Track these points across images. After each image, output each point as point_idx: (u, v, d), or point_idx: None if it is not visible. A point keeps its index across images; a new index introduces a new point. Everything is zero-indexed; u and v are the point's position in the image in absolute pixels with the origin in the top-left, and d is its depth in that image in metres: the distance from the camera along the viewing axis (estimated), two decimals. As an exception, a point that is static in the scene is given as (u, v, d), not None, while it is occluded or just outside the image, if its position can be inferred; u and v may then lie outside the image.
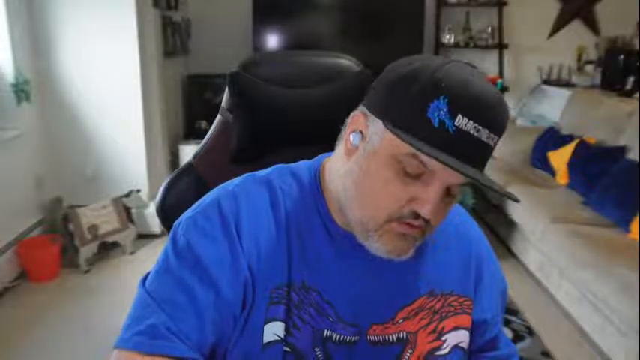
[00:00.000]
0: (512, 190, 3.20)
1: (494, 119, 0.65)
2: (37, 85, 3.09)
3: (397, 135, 0.65)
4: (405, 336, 0.78)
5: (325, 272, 0.75)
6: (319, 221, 0.76)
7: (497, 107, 0.66)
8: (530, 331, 2.49)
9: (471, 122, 0.63)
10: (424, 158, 0.65)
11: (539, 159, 3.59)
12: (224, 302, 0.71)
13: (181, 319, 0.69)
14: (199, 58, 4.42)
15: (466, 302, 0.82)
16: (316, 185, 0.79)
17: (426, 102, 0.64)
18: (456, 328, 0.81)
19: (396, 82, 0.68)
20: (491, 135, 0.65)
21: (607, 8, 4.53)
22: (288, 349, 0.73)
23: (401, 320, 0.78)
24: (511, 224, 3.21)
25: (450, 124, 0.63)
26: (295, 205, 0.77)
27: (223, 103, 1.08)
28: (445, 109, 0.63)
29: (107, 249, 3.14)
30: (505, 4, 4.48)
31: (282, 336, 0.73)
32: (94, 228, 3.04)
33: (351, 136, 0.73)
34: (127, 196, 3.23)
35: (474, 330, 0.84)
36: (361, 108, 0.73)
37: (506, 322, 2.55)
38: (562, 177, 3.30)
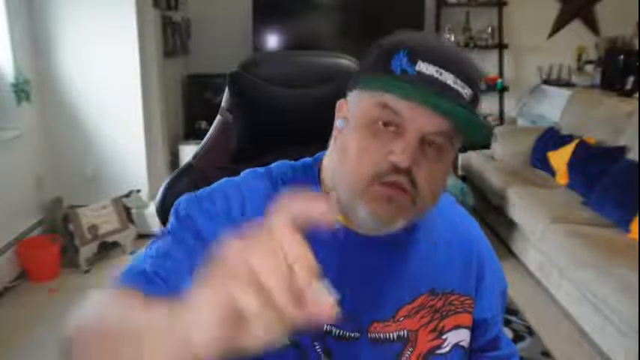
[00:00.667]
0: (513, 190, 3.21)
1: (459, 67, 0.67)
2: (37, 85, 3.09)
3: (365, 89, 0.69)
4: (405, 334, 0.78)
5: (325, 266, 0.75)
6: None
7: (460, 58, 0.69)
8: (530, 331, 2.49)
9: (432, 66, 0.66)
10: (392, 103, 0.67)
11: (539, 159, 3.59)
12: None
13: (174, 270, 0.69)
14: (199, 58, 4.42)
15: (467, 301, 0.82)
16: (314, 179, 0.79)
17: (388, 59, 0.68)
18: (457, 327, 0.81)
19: (365, 56, 0.73)
20: (459, 81, 0.67)
21: (607, 8, 4.53)
22: (286, 342, 0.73)
23: (402, 318, 0.77)
24: (511, 224, 3.21)
25: (411, 69, 0.66)
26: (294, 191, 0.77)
27: (223, 103, 1.08)
28: (406, 59, 0.67)
29: (107, 249, 3.14)
30: (505, 4, 4.48)
31: None
32: (94, 228, 3.05)
33: (337, 122, 0.76)
34: (127, 196, 3.23)
35: (474, 329, 0.84)
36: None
37: (506, 322, 2.55)
38: (562, 177, 3.30)
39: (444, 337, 0.80)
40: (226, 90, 1.07)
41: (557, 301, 2.69)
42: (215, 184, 0.80)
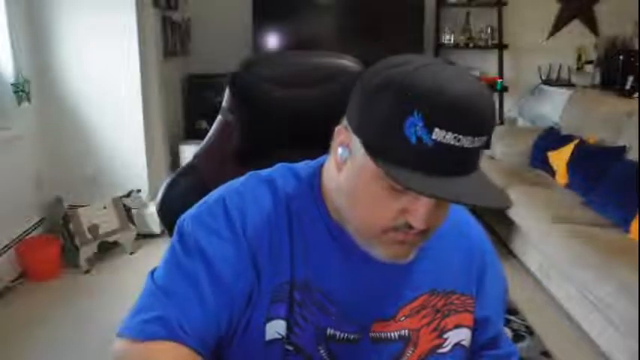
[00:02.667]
0: (513, 190, 3.21)
1: (476, 123, 0.62)
2: (37, 85, 3.09)
3: (372, 159, 0.64)
4: (406, 334, 0.78)
5: (328, 271, 0.76)
6: (320, 221, 0.77)
7: (478, 109, 0.62)
8: (530, 331, 2.49)
9: (450, 133, 0.60)
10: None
11: (539, 159, 3.59)
12: (228, 296, 0.71)
13: (188, 310, 0.69)
14: (199, 58, 4.42)
15: (468, 301, 0.83)
16: (317, 186, 0.79)
17: (400, 119, 0.61)
18: (458, 326, 0.81)
19: (369, 95, 0.66)
20: (476, 139, 0.62)
21: (607, 8, 4.53)
22: (290, 348, 0.74)
23: (402, 318, 0.78)
24: (511, 224, 3.21)
25: (428, 138, 0.60)
26: (297, 204, 0.77)
27: (224, 103, 1.08)
28: (421, 124, 0.60)
29: (107, 249, 3.14)
30: (505, 4, 4.48)
31: (284, 334, 0.73)
32: (94, 228, 3.04)
33: (339, 149, 0.72)
34: (127, 196, 3.23)
35: (476, 328, 0.84)
36: (344, 121, 0.72)
37: (506, 322, 2.55)
38: (562, 177, 3.30)
39: (445, 336, 0.80)
40: (227, 90, 1.07)
41: (557, 301, 2.69)
42: (216, 192, 0.79)
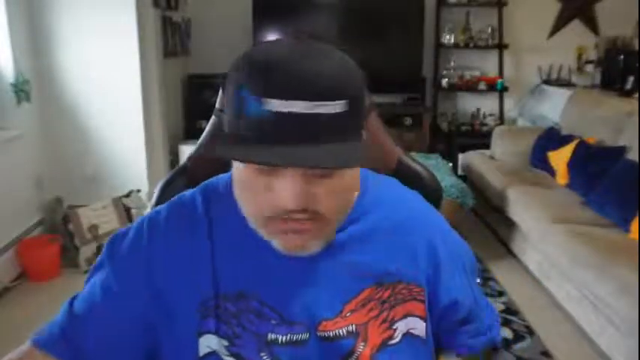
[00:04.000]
0: (513, 190, 3.21)
1: (308, 87, 0.59)
2: (37, 85, 3.09)
3: (218, 147, 0.64)
4: (354, 329, 0.76)
5: (264, 276, 0.74)
6: (245, 226, 0.74)
7: (307, 74, 0.60)
8: (530, 331, 2.49)
9: (280, 100, 0.59)
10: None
11: (539, 159, 3.59)
12: (123, 310, 0.75)
13: (79, 319, 0.78)
14: (199, 58, 4.42)
15: (416, 289, 0.80)
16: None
17: (234, 97, 0.62)
18: (407, 315, 0.79)
19: (225, 80, 0.66)
20: (317, 103, 0.59)
21: (607, 8, 4.53)
22: (230, 359, 0.73)
23: (348, 314, 0.76)
24: (511, 224, 3.21)
25: (260, 109, 0.59)
26: (222, 217, 0.77)
27: (217, 104, 1.08)
28: (252, 97, 0.60)
29: (107, 249, 3.13)
30: (505, 4, 4.48)
31: (217, 348, 0.73)
32: (94, 228, 3.05)
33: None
34: (127, 196, 3.23)
35: (446, 312, 0.83)
36: None
37: (507, 322, 2.55)
38: (562, 177, 3.30)
39: (394, 327, 0.78)
40: (220, 90, 1.06)
41: (557, 301, 2.69)
42: (142, 218, 0.82)
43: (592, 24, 4.63)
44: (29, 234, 3.00)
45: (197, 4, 4.42)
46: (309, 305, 0.74)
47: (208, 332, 0.73)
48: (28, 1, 3.05)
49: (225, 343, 0.73)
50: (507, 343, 2.39)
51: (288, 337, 0.73)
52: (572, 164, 3.22)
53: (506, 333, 2.47)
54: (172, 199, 0.82)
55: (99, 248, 3.05)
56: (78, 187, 3.28)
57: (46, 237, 3.06)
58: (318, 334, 0.74)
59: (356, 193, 0.75)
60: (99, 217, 3.09)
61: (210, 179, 0.83)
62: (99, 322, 0.75)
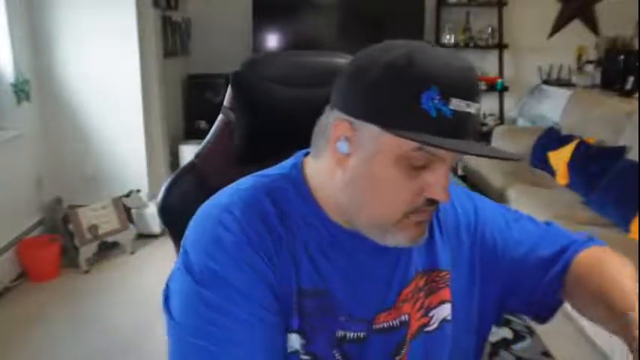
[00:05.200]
0: (513, 190, 3.21)
1: (476, 90, 0.69)
2: (37, 85, 3.09)
3: (401, 135, 0.65)
4: (407, 318, 0.78)
5: (334, 273, 0.75)
6: (317, 223, 0.75)
7: (474, 77, 0.69)
8: (530, 331, 2.49)
9: (463, 101, 0.66)
10: (431, 148, 0.66)
11: (539, 159, 3.59)
12: (270, 323, 0.70)
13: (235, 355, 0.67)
14: (199, 58, 4.42)
15: (447, 276, 0.83)
16: (305, 188, 0.77)
17: (416, 95, 0.65)
18: (442, 302, 0.82)
19: (376, 82, 0.67)
20: (478, 105, 0.69)
21: (607, 8, 4.54)
22: (307, 358, 0.73)
23: (401, 304, 0.78)
24: (511, 224, 3.21)
25: (446, 109, 0.65)
26: (290, 209, 0.75)
27: (226, 102, 1.07)
28: (438, 97, 0.65)
29: (107, 249, 3.13)
30: (505, 4, 4.48)
31: (299, 347, 0.73)
32: (94, 228, 3.04)
33: (337, 145, 0.71)
34: (127, 196, 3.23)
35: (525, 268, 0.86)
36: (338, 114, 0.71)
37: (507, 322, 2.55)
38: (562, 177, 3.30)
39: (430, 314, 0.81)
40: (229, 89, 1.06)
41: (557, 301, 2.69)
42: (208, 214, 0.74)
43: (592, 24, 4.63)
44: (29, 234, 3.00)
45: (197, 4, 4.42)
46: (368, 299, 0.76)
47: (292, 330, 0.73)
48: (28, 1, 3.04)
49: (303, 341, 0.73)
50: (507, 343, 2.39)
51: (354, 335, 0.75)
52: (572, 164, 3.22)
53: (506, 333, 2.47)
54: (231, 199, 0.74)
55: (99, 248, 3.06)
56: (78, 187, 3.28)
57: (46, 237, 3.06)
58: (374, 326, 0.76)
59: None
60: (99, 217, 3.09)
61: (265, 181, 0.77)
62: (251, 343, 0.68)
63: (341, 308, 0.74)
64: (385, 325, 0.77)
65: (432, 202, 0.70)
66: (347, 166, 0.72)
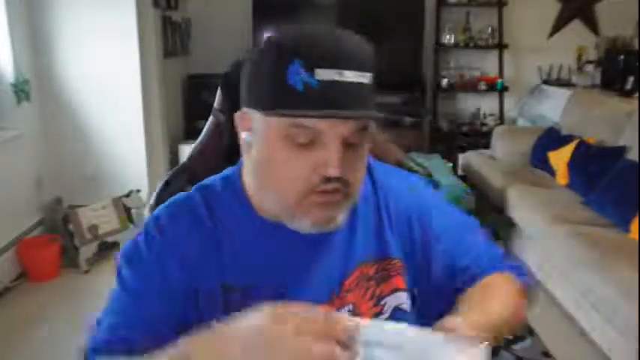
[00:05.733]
0: (513, 190, 3.21)
1: (354, 58, 0.67)
2: (37, 85, 3.09)
3: (272, 114, 0.68)
4: (351, 308, 0.78)
5: (260, 269, 0.76)
6: (246, 218, 0.78)
7: (348, 46, 0.68)
8: (530, 331, 2.49)
9: (331, 70, 0.65)
10: (307, 122, 0.67)
11: (539, 159, 3.58)
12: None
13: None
14: (199, 58, 4.42)
15: (398, 264, 0.82)
16: (239, 187, 0.80)
17: (282, 73, 0.66)
18: (394, 290, 0.81)
19: (251, 70, 0.71)
20: (360, 73, 0.67)
21: (607, 8, 4.53)
22: None
23: (346, 294, 0.78)
24: (511, 224, 3.21)
25: (312, 80, 0.65)
26: (223, 212, 0.79)
27: (216, 104, 1.08)
28: (302, 70, 0.65)
29: (107, 249, 3.13)
30: (505, 4, 4.48)
31: None
32: (94, 228, 3.05)
33: (243, 136, 0.76)
34: (127, 196, 3.23)
35: (455, 273, 0.83)
36: (242, 109, 0.75)
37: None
38: (562, 177, 3.30)
39: (382, 302, 0.80)
40: (219, 90, 1.07)
41: (557, 301, 2.69)
42: (146, 223, 0.81)
43: (592, 24, 4.62)
44: (29, 234, 3.00)
45: (197, 4, 4.42)
46: (311, 291, 0.76)
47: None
48: (28, 1, 3.05)
49: None
50: (507, 343, 2.39)
51: None
52: (572, 164, 3.21)
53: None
54: (167, 202, 0.83)
55: (99, 248, 3.06)
56: (78, 187, 3.28)
57: (46, 237, 3.06)
58: None
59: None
60: (99, 217, 3.09)
61: (202, 181, 0.84)
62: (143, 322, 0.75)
63: (268, 304, 0.75)
64: None
65: (328, 180, 0.69)
66: (251, 153, 0.75)
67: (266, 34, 0.73)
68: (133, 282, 0.78)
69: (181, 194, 0.83)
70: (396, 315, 0.81)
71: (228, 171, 0.84)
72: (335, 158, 0.67)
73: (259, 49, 0.71)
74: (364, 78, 0.68)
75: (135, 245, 0.79)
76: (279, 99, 0.67)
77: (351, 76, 0.66)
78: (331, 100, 0.65)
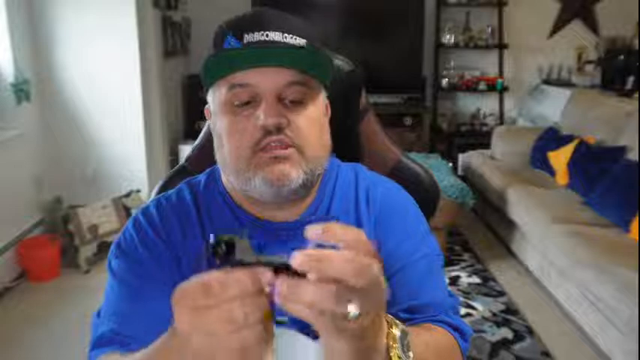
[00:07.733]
0: (513, 190, 3.21)
1: (283, 24, 0.73)
2: (37, 85, 3.09)
3: (212, 82, 0.77)
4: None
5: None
6: (226, 208, 0.82)
7: (282, 16, 0.75)
8: (530, 331, 2.49)
9: (257, 33, 0.72)
10: (239, 79, 0.72)
11: (539, 159, 3.59)
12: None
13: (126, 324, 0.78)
14: (199, 58, 4.40)
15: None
16: (219, 177, 0.85)
17: (220, 46, 0.75)
18: None
19: (205, 58, 0.78)
20: (288, 36, 0.72)
21: (607, 8, 4.54)
22: None
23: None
24: (511, 224, 3.21)
25: (239, 44, 0.72)
26: (208, 201, 0.84)
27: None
28: (234, 39, 0.73)
29: (107, 249, 3.12)
30: (505, 4, 4.48)
31: None
32: (94, 228, 3.05)
33: (209, 125, 0.84)
34: (127, 196, 3.23)
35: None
36: None
37: (507, 322, 2.55)
38: (562, 177, 3.30)
39: None
40: None
41: (557, 301, 2.69)
42: (135, 215, 0.87)
43: (592, 24, 4.63)
44: (29, 234, 3.00)
45: (197, 4, 4.42)
46: None
47: None
48: (28, 1, 3.05)
49: None
50: (507, 343, 2.39)
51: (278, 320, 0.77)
52: (572, 164, 3.22)
53: (506, 333, 2.47)
54: (157, 196, 0.88)
55: (99, 248, 3.06)
56: (78, 187, 3.28)
57: (46, 237, 3.06)
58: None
59: (326, 155, 0.80)
60: (99, 217, 3.09)
61: (190, 178, 0.89)
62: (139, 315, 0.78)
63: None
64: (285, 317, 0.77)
65: (269, 132, 0.72)
66: (215, 140, 0.81)
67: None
68: (124, 271, 0.82)
69: (169, 191, 0.87)
70: None
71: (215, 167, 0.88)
72: (268, 108, 0.72)
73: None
74: (295, 40, 0.73)
75: (123, 235, 0.84)
76: (217, 68, 0.74)
77: (277, 37, 0.72)
78: (257, 55, 0.71)
